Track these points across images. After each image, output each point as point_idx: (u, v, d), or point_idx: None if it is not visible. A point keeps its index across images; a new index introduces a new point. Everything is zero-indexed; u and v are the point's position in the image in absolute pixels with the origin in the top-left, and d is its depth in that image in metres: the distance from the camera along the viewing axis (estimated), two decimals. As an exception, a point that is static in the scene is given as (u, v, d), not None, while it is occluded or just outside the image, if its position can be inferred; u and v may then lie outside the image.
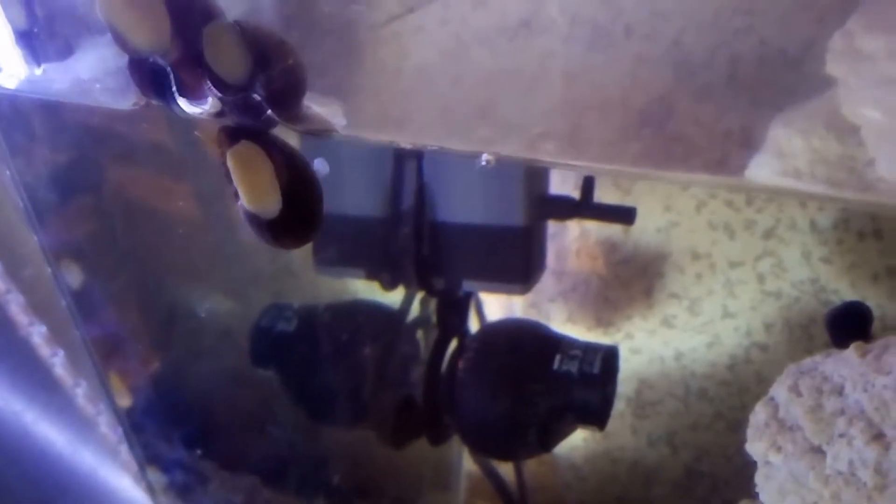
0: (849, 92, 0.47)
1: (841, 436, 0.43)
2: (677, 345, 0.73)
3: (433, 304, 0.62)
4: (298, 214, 0.23)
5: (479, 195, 0.56)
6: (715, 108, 0.54)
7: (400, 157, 0.55)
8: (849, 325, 0.48)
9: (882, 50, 0.47)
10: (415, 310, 0.63)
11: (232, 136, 0.23)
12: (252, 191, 0.22)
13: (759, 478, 0.48)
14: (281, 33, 0.22)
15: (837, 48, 0.51)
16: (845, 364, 0.47)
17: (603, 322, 0.75)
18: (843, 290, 0.67)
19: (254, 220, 0.23)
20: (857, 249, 0.67)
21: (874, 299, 0.67)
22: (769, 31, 0.51)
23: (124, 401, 0.64)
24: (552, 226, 0.70)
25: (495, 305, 0.73)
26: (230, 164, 0.22)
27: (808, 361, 0.50)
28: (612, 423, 0.60)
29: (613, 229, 0.74)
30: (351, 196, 0.57)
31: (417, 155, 0.55)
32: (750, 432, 0.50)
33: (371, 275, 0.60)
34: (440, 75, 0.54)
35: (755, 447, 0.49)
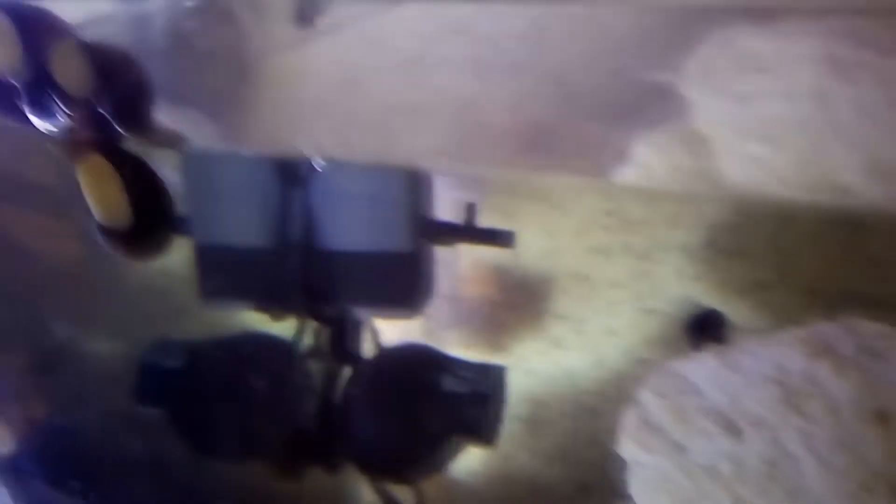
0: (701, 109, 0.52)
1: (700, 432, 0.47)
2: (567, 364, 0.76)
3: (326, 333, 0.63)
4: (149, 226, 0.24)
5: (365, 221, 0.58)
6: (593, 128, 0.58)
7: (286, 184, 0.57)
8: (705, 330, 0.52)
9: (730, 70, 0.52)
10: (308, 339, 0.64)
11: (82, 150, 0.24)
12: (101, 203, 0.23)
13: (630, 478, 0.50)
14: (126, 50, 0.23)
15: (692, 72, 0.56)
16: (703, 366, 0.50)
17: (498, 346, 0.77)
18: (714, 306, 0.72)
19: (106, 232, 0.24)
20: (724, 268, 0.72)
21: (741, 311, 0.72)
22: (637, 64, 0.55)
23: (5, 446, 0.61)
24: (447, 253, 0.72)
25: (393, 332, 0.75)
26: (80, 178, 0.23)
27: (670, 365, 0.54)
28: (510, 445, 0.62)
29: (504, 256, 0.77)
30: (236, 224, 0.57)
31: (304, 181, 0.56)
32: (621, 436, 0.53)
33: (260, 305, 0.60)
34: (333, 102, 0.55)
35: (626, 449, 0.52)
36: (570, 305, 0.74)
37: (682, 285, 0.73)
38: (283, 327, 0.62)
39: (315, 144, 0.49)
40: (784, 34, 0.46)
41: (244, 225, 0.57)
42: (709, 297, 0.74)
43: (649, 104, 0.53)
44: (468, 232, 0.60)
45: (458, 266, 0.79)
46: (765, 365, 0.47)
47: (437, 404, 0.57)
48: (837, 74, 0.43)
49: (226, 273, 0.58)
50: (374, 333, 0.67)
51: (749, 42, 0.47)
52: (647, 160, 0.51)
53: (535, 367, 0.79)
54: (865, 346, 0.45)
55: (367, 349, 0.65)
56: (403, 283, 0.59)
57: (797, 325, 0.51)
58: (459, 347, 0.80)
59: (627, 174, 0.50)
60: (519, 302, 0.77)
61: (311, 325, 0.64)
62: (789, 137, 0.47)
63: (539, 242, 0.73)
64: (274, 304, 0.60)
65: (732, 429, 0.45)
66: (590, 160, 0.55)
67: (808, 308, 0.71)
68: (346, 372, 0.62)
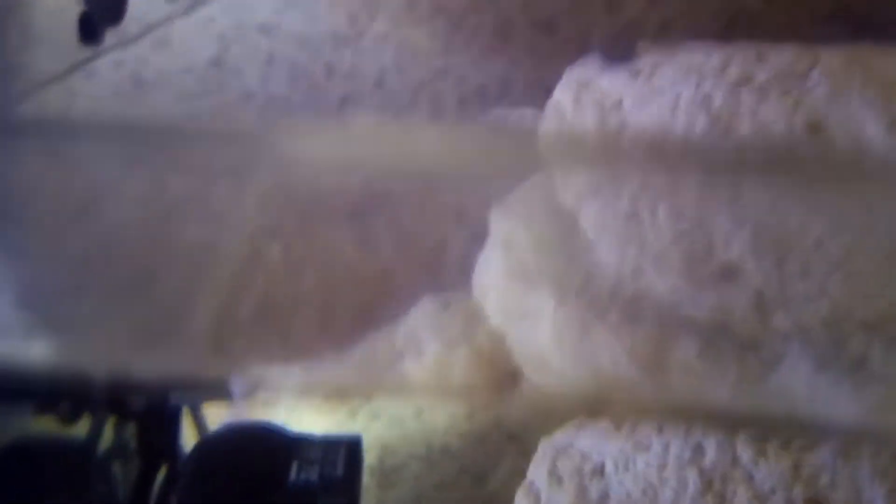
0: (564, 179, 0.48)
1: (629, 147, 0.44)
2: (416, 400, 0.70)
3: (131, 427, 0.50)
4: None
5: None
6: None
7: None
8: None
9: (592, 127, 0.48)
10: (107, 439, 0.51)
11: None
12: None
13: (559, 181, 0.46)
14: None
15: (552, 131, 0.50)
16: (602, 437, 0.46)
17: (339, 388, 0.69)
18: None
19: None
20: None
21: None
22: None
23: None
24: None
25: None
26: None
27: (561, 437, 0.49)
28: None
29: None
30: None
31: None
32: (542, 141, 0.48)
33: (42, 408, 0.47)
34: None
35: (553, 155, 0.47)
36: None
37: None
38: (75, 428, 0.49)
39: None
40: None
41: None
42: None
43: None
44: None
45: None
46: (686, 91, 0.43)
47: (286, 500, 0.48)
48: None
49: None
50: (199, 418, 0.55)
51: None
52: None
53: (380, 407, 0.72)
54: (783, 72, 0.42)
55: (187, 440, 0.53)
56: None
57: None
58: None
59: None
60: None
61: (111, 420, 0.51)
62: None
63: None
64: (62, 403, 0.46)
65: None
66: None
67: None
68: (161, 473, 0.50)
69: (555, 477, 0.47)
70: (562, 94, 0.51)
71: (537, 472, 0.51)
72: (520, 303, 0.48)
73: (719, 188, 0.38)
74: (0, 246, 0.66)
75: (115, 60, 0.62)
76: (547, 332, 0.46)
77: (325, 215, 0.76)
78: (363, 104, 0.88)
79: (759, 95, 0.39)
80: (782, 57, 0.42)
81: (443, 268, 0.70)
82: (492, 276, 0.50)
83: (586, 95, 0.49)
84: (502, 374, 0.48)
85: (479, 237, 0.71)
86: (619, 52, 0.49)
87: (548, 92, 0.66)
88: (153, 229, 0.71)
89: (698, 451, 0.40)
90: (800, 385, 0.41)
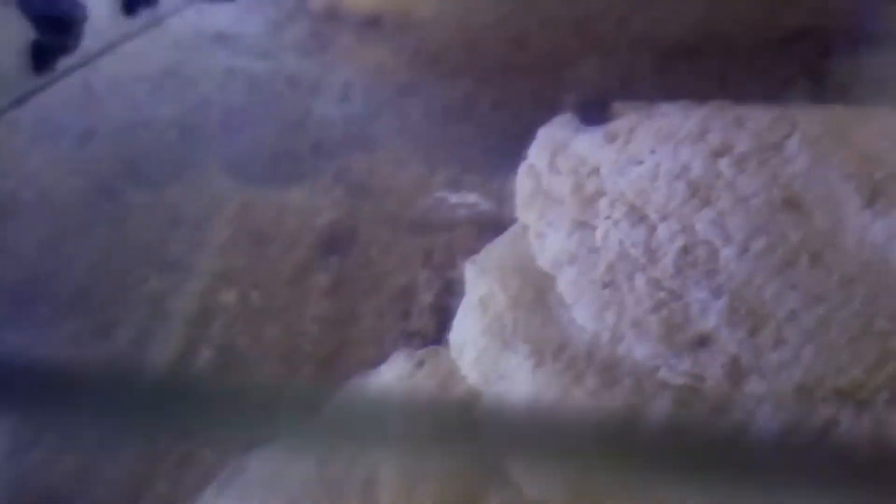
0: (541, 241, 0.48)
1: (607, 217, 0.45)
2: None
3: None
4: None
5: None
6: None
7: None
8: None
9: (568, 192, 0.49)
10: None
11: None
12: None
13: (535, 246, 0.48)
14: None
15: (526, 192, 0.51)
16: (598, 149, 0.49)
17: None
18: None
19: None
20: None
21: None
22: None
23: None
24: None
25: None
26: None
27: (558, 132, 0.50)
28: None
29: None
30: None
31: None
32: (518, 199, 0.50)
33: None
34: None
35: (526, 215, 0.50)
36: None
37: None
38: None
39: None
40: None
41: None
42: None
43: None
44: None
45: None
46: (665, 160, 0.47)
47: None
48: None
49: None
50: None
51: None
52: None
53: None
54: (761, 142, 0.46)
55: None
56: None
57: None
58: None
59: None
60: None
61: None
62: None
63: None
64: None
65: (641, 218, 0.44)
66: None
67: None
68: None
69: (554, 168, 0.50)
70: (536, 157, 0.52)
71: (538, 157, 0.54)
72: (497, 362, 0.49)
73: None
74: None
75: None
76: (524, 393, 0.47)
77: (289, 259, 0.75)
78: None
79: (737, 167, 0.40)
80: (760, 123, 0.44)
81: (411, 312, 0.70)
82: (469, 334, 0.50)
83: (562, 160, 0.50)
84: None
85: (445, 280, 0.71)
86: (593, 110, 0.51)
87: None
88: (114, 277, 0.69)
89: (682, 166, 0.43)
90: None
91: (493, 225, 0.74)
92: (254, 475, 0.55)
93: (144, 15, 0.90)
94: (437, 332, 0.67)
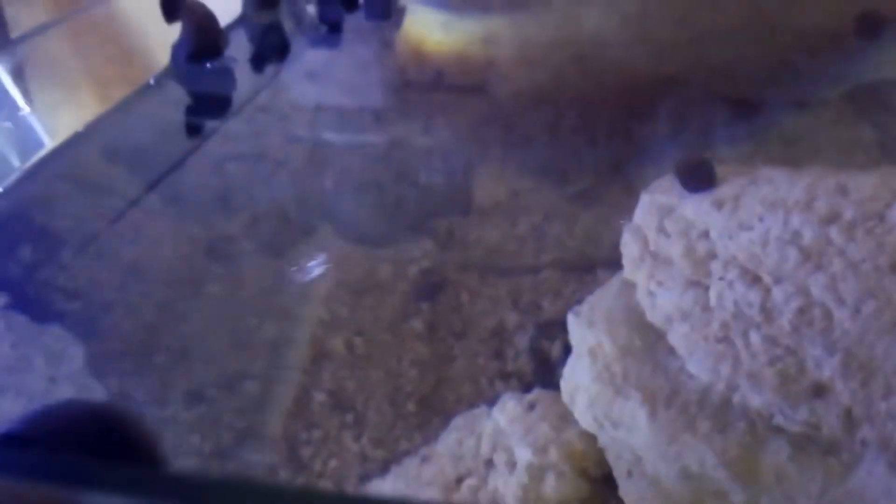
0: (652, 299, 0.52)
1: (720, 279, 0.48)
2: None
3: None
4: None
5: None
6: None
7: None
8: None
9: (679, 253, 0.52)
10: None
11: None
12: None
13: (643, 302, 0.51)
14: None
15: (634, 253, 0.55)
16: (706, 213, 0.52)
17: None
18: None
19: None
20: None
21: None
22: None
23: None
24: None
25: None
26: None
27: (662, 197, 0.54)
28: None
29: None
30: None
31: None
32: (625, 260, 0.53)
33: None
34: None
35: (634, 276, 0.53)
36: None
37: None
38: None
39: None
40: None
41: None
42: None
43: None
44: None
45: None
46: (775, 226, 0.50)
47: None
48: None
49: None
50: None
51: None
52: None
53: None
54: (866, 210, 0.49)
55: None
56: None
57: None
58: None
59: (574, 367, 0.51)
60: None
61: None
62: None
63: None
64: None
65: (754, 280, 0.47)
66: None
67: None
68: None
69: (663, 232, 0.53)
70: (643, 220, 0.56)
71: (644, 220, 0.57)
72: (610, 408, 0.52)
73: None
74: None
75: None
76: (639, 437, 0.50)
77: (386, 306, 0.80)
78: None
79: (846, 234, 0.44)
80: (862, 191, 0.48)
81: (505, 353, 0.74)
82: (579, 381, 0.54)
83: (670, 223, 0.54)
84: (596, 482, 0.52)
85: (537, 323, 0.75)
86: (697, 175, 0.54)
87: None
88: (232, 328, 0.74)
89: (793, 233, 0.47)
90: (875, 483, 0.46)
91: (576, 269, 0.79)
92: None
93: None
94: (534, 374, 0.71)
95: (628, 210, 0.63)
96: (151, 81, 0.98)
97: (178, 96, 0.99)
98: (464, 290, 0.79)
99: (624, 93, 0.96)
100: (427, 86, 1.01)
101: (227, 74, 0.99)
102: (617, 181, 0.87)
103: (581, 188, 0.87)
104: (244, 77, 1.05)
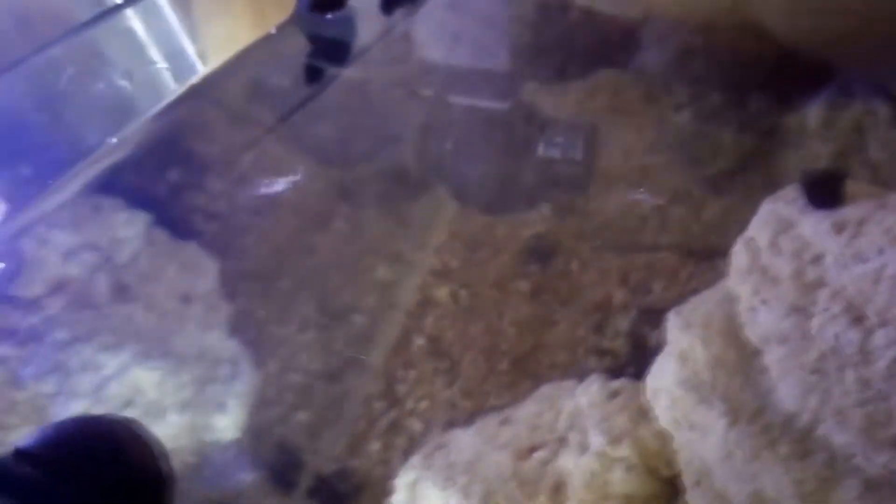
0: (753, 315, 0.50)
1: (825, 310, 0.47)
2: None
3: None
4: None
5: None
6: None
7: None
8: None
9: (788, 275, 0.50)
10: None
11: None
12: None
13: (744, 316, 0.51)
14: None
15: (742, 265, 0.53)
16: (823, 234, 0.50)
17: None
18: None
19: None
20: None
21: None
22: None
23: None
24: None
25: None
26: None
27: (784, 209, 0.53)
28: None
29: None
30: None
31: None
32: (732, 270, 0.54)
33: None
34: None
35: (739, 288, 0.53)
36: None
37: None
38: None
39: None
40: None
41: None
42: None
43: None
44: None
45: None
46: (892, 262, 0.47)
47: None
48: None
49: None
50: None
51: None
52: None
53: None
54: None
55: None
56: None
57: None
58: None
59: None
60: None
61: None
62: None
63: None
64: None
65: (859, 318, 0.46)
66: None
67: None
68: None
69: (776, 248, 0.52)
70: (757, 232, 0.55)
71: (759, 233, 0.55)
72: (690, 413, 0.53)
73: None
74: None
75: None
76: (715, 447, 0.51)
77: (496, 264, 0.82)
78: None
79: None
80: None
81: (605, 329, 0.75)
82: (665, 382, 0.55)
83: (784, 240, 0.52)
84: (664, 483, 0.53)
85: (641, 306, 0.74)
86: (824, 190, 0.51)
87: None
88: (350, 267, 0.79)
89: None
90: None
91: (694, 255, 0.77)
92: (455, 457, 0.64)
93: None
94: (629, 357, 0.72)
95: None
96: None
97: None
98: (575, 259, 0.80)
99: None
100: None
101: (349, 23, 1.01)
102: (758, 170, 0.82)
103: (717, 171, 0.84)
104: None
